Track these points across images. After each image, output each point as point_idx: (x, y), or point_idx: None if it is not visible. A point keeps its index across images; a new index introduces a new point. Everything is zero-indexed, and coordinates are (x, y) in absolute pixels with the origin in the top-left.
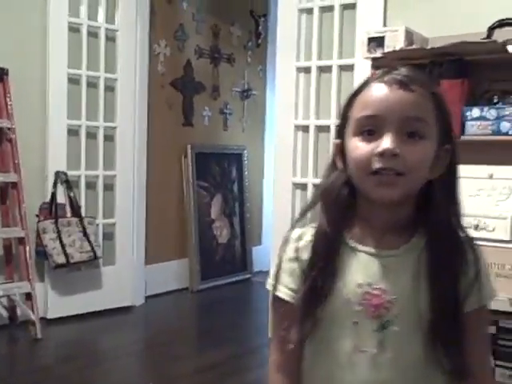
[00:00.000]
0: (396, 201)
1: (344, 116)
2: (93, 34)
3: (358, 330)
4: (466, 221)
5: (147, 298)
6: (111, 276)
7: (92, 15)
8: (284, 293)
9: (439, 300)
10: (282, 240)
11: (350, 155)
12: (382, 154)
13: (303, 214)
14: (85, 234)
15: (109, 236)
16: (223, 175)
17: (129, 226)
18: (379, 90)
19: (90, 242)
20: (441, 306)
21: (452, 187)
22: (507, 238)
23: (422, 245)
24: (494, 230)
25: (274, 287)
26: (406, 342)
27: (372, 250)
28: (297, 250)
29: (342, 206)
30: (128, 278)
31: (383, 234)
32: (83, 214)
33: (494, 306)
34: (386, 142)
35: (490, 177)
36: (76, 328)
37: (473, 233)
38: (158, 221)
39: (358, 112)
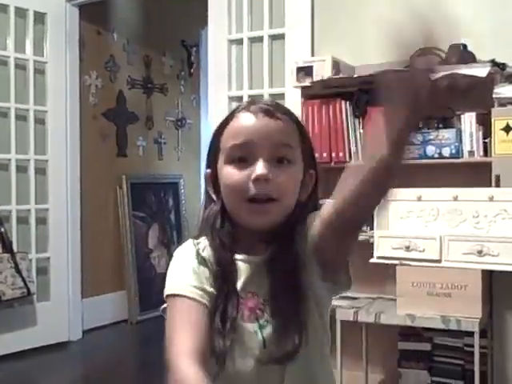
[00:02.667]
0: (268, 227)
1: (214, 146)
2: (21, 67)
3: (242, 335)
4: (398, 242)
5: (85, 332)
6: (46, 312)
7: (19, 47)
8: (190, 291)
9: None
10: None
11: (224, 183)
12: (257, 180)
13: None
14: (17, 269)
15: (43, 271)
16: (160, 204)
17: (63, 259)
18: (247, 119)
19: (22, 277)
20: (279, 297)
21: (315, 205)
22: (437, 258)
23: (272, 252)
24: (424, 250)
25: (178, 288)
26: (284, 338)
27: (243, 257)
28: (198, 254)
29: (222, 233)
30: (64, 313)
31: (252, 243)
32: (15, 250)
33: (427, 324)
34: (259, 168)
35: (419, 199)
36: (11, 367)
37: (404, 253)
38: (94, 253)
39: (228, 141)
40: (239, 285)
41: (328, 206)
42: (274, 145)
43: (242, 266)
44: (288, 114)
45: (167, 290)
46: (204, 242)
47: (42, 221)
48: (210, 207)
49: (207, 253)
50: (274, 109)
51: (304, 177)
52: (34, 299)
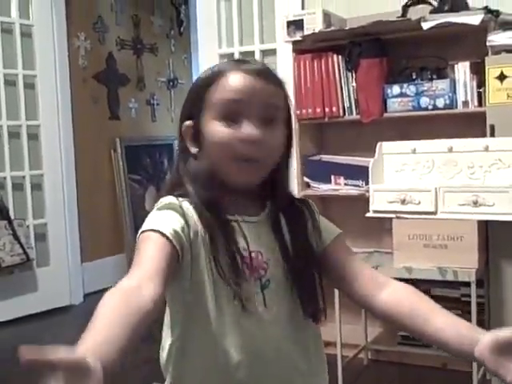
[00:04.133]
0: (253, 185)
1: (198, 100)
2: (7, 31)
3: (243, 293)
4: (393, 195)
5: (86, 295)
6: (46, 277)
7: (4, 11)
8: (168, 231)
9: (294, 253)
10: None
11: (211, 139)
12: (246, 140)
13: (169, 191)
14: (15, 236)
15: (41, 237)
16: (155, 167)
17: (61, 225)
18: (241, 77)
19: (21, 244)
20: (295, 258)
21: (288, 165)
22: (432, 210)
23: (273, 212)
24: (419, 202)
25: (155, 225)
26: (282, 299)
27: (240, 218)
28: (183, 212)
29: (212, 190)
30: (64, 278)
31: (245, 205)
32: (12, 216)
33: (424, 275)
34: (251, 129)
35: (413, 151)
36: (13, 333)
37: (400, 207)
38: (91, 217)
39: (219, 96)
40: (240, 245)
41: (377, 279)
42: (265, 106)
43: (238, 227)
44: (276, 76)
45: (143, 227)
46: (185, 202)
47: (37, 187)
48: (194, 163)
49: (191, 214)
50: (266, 71)
51: (285, 141)
52: (33, 265)
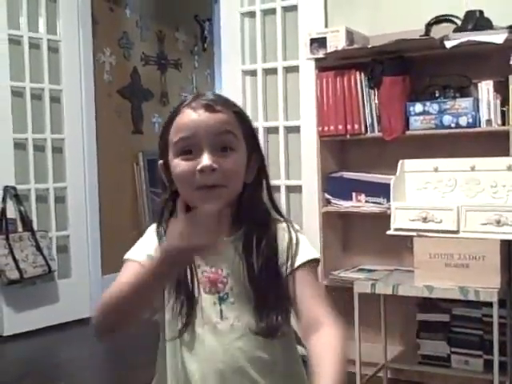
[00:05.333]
0: (221, 209)
1: (164, 139)
2: (34, 46)
3: (202, 306)
4: (415, 213)
5: None
6: (67, 289)
7: (33, 26)
8: (141, 258)
9: (258, 273)
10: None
11: (175, 174)
12: (203, 171)
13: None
14: (38, 247)
15: (63, 249)
16: None
17: (83, 237)
18: (189, 115)
19: (43, 255)
20: (258, 277)
21: (262, 186)
22: (454, 229)
23: (245, 232)
24: (441, 221)
25: (133, 255)
26: (241, 312)
27: None
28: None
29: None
30: (85, 290)
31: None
32: (35, 228)
33: (445, 295)
34: (204, 160)
35: (436, 170)
36: (33, 344)
37: (421, 225)
38: (112, 230)
39: (174, 136)
40: (199, 261)
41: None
42: (215, 135)
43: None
44: (227, 104)
45: (125, 256)
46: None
47: (60, 199)
48: (163, 195)
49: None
50: (214, 102)
51: (250, 160)
52: (55, 276)
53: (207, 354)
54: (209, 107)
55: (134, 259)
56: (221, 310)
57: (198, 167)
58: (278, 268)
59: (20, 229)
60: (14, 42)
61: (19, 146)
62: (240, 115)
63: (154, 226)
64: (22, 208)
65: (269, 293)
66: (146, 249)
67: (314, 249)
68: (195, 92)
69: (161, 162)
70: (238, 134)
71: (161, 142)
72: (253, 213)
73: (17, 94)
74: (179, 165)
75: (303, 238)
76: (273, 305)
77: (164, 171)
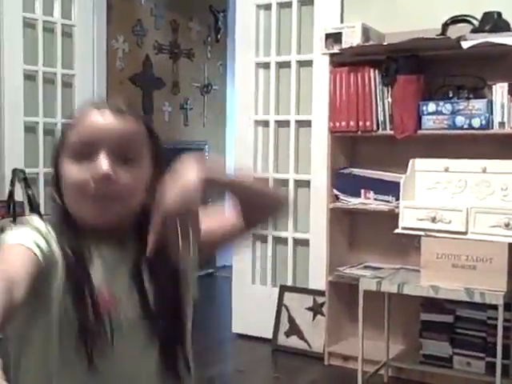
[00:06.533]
0: (108, 225)
1: (60, 144)
2: (49, 30)
3: (88, 325)
4: (424, 213)
5: None
6: None
7: (47, 10)
8: (37, 250)
9: (155, 304)
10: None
11: (66, 180)
12: (98, 178)
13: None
14: None
15: None
16: None
17: None
18: (93, 116)
19: None
20: (155, 309)
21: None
22: (463, 230)
23: (136, 248)
24: (450, 222)
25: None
26: (134, 341)
27: (98, 253)
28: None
29: (73, 236)
30: None
31: (108, 243)
32: (42, 212)
33: (451, 296)
34: (101, 165)
35: (446, 170)
36: None
37: (430, 225)
38: None
39: (72, 137)
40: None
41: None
42: (118, 143)
43: (96, 260)
44: (135, 115)
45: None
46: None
47: None
48: (55, 209)
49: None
50: (122, 110)
51: (154, 180)
52: None
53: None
54: (116, 111)
55: (22, 243)
56: (111, 335)
57: (94, 174)
58: (178, 301)
59: (27, 212)
60: (29, 25)
61: (30, 129)
62: (148, 127)
63: (38, 222)
64: (29, 191)
65: (171, 329)
66: (34, 238)
67: None
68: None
69: (52, 172)
70: (144, 147)
71: (55, 149)
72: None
73: (29, 77)
74: (71, 169)
75: None
76: (175, 341)
77: (55, 184)
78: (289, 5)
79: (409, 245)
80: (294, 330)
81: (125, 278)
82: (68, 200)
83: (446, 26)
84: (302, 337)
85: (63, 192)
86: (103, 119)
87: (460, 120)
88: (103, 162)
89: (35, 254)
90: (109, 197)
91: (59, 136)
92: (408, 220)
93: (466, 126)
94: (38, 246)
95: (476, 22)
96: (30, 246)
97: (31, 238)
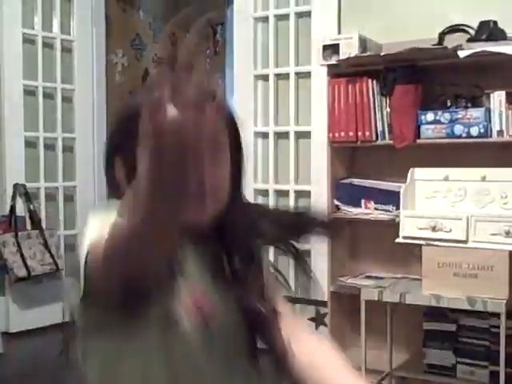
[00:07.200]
0: (206, 224)
1: (129, 133)
2: (48, 45)
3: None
4: (424, 222)
5: None
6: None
7: (47, 26)
8: None
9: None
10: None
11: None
12: None
13: None
14: (46, 246)
15: (71, 247)
16: None
17: None
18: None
19: (51, 254)
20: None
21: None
22: (463, 238)
23: (218, 244)
24: (450, 230)
25: None
26: (224, 338)
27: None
28: None
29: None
30: None
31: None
32: (44, 226)
33: (453, 304)
34: None
35: (446, 179)
36: (39, 341)
37: (430, 234)
38: None
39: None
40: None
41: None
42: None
43: (190, 255)
44: (215, 103)
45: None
46: None
47: (69, 198)
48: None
49: None
50: (200, 99)
51: (235, 169)
52: (62, 275)
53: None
54: (198, 105)
55: None
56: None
57: None
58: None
59: (29, 226)
60: (28, 41)
61: (30, 144)
62: (227, 112)
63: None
64: (31, 206)
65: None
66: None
67: None
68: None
69: (119, 158)
70: (226, 133)
71: (121, 132)
72: (237, 234)
73: (29, 92)
74: None
75: None
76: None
77: (122, 172)
78: (286, 17)
79: (415, 253)
80: None
81: (211, 277)
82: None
83: (442, 35)
84: None
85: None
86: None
87: (458, 129)
88: None
89: None
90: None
91: (122, 121)
92: (408, 229)
93: (464, 135)
94: None
95: (472, 31)
96: None
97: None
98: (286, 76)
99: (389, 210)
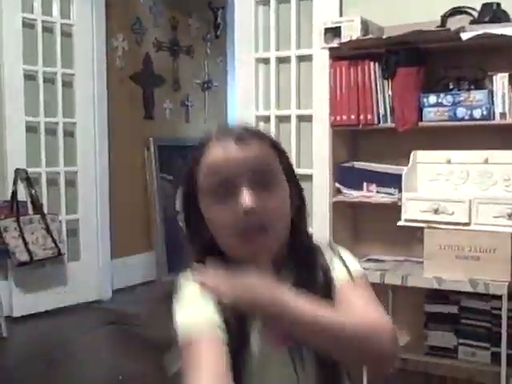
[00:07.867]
0: (267, 259)
1: (192, 184)
2: (48, 30)
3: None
4: (426, 205)
5: (114, 292)
6: (76, 272)
7: (46, 10)
8: (205, 330)
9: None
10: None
11: (214, 223)
12: (245, 213)
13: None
14: (48, 230)
15: (72, 232)
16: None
17: (92, 221)
18: (219, 152)
19: (53, 238)
20: None
21: (304, 213)
22: (466, 221)
23: (292, 275)
24: (453, 213)
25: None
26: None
27: None
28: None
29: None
30: (94, 273)
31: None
32: (45, 211)
33: (455, 287)
34: (245, 200)
35: (448, 162)
36: (42, 325)
37: (433, 216)
38: (122, 215)
39: (205, 178)
40: None
41: None
42: (252, 172)
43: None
44: (259, 135)
45: (181, 338)
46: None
47: (71, 183)
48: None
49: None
50: (245, 135)
51: (294, 198)
52: (64, 259)
53: None
54: (240, 140)
55: (197, 336)
56: (295, 369)
57: (240, 210)
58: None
59: (30, 211)
60: (28, 25)
61: (31, 129)
62: (275, 144)
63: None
64: (32, 191)
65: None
66: (198, 316)
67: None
68: (218, 126)
69: (190, 211)
70: (276, 166)
71: (186, 187)
72: (302, 247)
73: (29, 77)
74: (217, 210)
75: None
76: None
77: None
78: (287, 0)
79: (417, 236)
80: None
81: None
82: (219, 240)
83: (445, 17)
84: None
85: (214, 233)
86: (230, 153)
87: (461, 111)
88: (245, 198)
89: (216, 341)
90: (260, 229)
91: (186, 177)
92: (411, 212)
93: (467, 117)
94: (212, 323)
95: (475, 13)
96: (208, 334)
97: (202, 318)
98: (288, 59)
99: (391, 193)
